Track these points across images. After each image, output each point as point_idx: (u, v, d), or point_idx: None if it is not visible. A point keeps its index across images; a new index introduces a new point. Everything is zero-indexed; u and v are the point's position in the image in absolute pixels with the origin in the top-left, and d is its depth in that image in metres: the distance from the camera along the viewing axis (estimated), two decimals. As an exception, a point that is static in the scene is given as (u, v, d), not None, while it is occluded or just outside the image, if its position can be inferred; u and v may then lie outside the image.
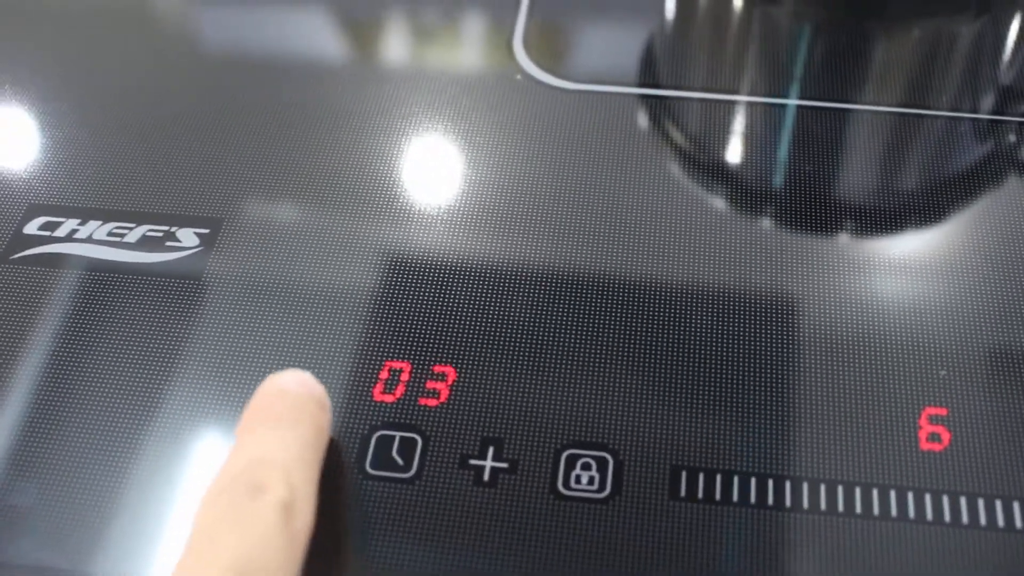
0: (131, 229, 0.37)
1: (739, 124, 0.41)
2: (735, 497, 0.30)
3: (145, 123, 0.41)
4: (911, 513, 0.29)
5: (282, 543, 0.25)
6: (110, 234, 0.37)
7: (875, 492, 0.30)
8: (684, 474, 0.30)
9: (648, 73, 0.43)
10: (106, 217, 0.37)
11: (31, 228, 0.37)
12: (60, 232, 0.37)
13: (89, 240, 0.37)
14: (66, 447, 0.32)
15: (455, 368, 0.33)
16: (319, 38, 0.46)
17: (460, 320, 0.34)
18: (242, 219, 0.37)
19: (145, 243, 0.36)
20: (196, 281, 0.35)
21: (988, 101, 0.42)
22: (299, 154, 0.39)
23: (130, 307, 0.35)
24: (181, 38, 0.47)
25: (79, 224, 0.37)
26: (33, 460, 0.31)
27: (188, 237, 0.36)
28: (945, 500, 0.29)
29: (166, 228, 0.37)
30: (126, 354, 0.34)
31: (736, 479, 0.30)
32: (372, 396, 0.32)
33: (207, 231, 0.37)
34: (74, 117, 0.41)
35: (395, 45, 0.46)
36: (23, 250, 0.36)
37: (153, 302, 0.35)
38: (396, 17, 0.47)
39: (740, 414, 0.31)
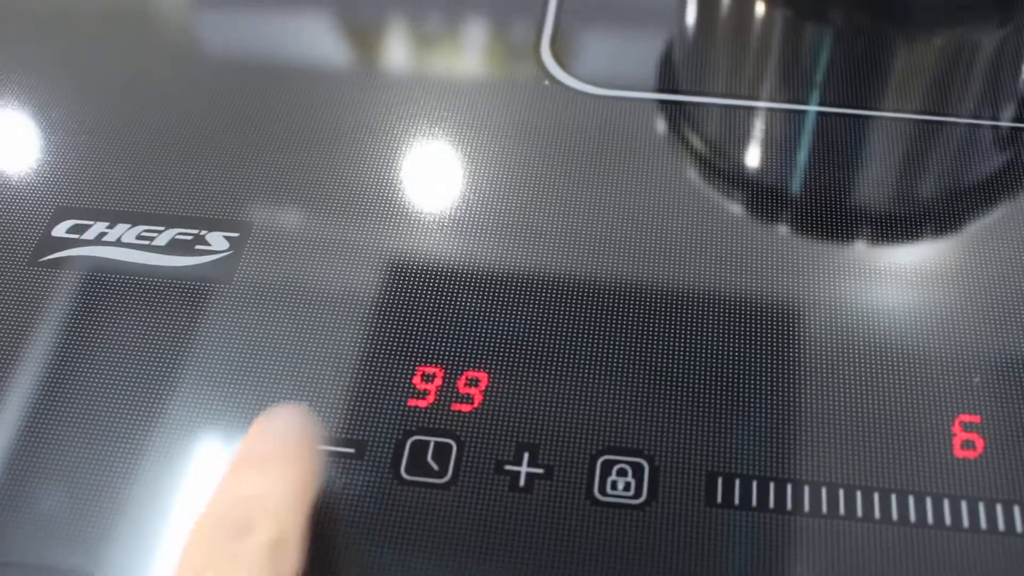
0: (160, 232, 0.37)
1: (761, 130, 0.41)
2: (771, 504, 0.30)
3: (172, 125, 0.41)
4: (947, 520, 0.29)
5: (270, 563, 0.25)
6: (139, 237, 0.37)
7: (911, 499, 0.30)
8: (720, 480, 0.30)
9: (672, 78, 0.43)
10: (135, 220, 0.37)
11: (59, 231, 0.37)
12: (88, 235, 0.37)
13: (118, 243, 0.36)
14: (91, 448, 0.32)
15: (488, 373, 0.33)
16: (346, 48, 0.46)
17: (493, 325, 0.34)
18: (272, 223, 0.37)
19: (174, 246, 0.36)
20: (227, 285, 0.35)
21: (1009, 109, 0.42)
22: (328, 158, 0.39)
23: (160, 311, 0.35)
24: (205, 42, 0.47)
25: (107, 227, 0.37)
26: (56, 459, 0.31)
27: (218, 241, 0.36)
28: (981, 507, 0.30)
29: (195, 232, 0.37)
30: (155, 358, 0.33)
31: (772, 486, 0.30)
32: (406, 401, 0.32)
33: (237, 235, 0.37)
34: (101, 120, 0.41)
35: (424, 51, 0.46)
36: (51, 253, 0.36)
37: (183, 306, 0.35)
38: (424, 23, 0.47)
39: (776, 421, 0.31)
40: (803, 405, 0.32)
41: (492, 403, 0.32)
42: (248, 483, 0.27)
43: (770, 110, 0.42)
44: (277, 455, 0.28)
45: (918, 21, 0.45)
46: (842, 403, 0.32)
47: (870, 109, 0.41)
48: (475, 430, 0.32)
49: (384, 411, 0.32)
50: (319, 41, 0.46)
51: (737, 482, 0.30)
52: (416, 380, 0.33)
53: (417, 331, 0.34)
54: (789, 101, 0.42)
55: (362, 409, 0.32)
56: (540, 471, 0.31)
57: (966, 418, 0.31)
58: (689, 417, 0.32)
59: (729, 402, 0.32)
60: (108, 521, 0.30)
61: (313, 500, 0.28)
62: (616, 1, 0.47)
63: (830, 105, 0.41)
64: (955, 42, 0.44)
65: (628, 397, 0.32)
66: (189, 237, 0.37)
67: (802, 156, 0.40)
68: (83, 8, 0.48)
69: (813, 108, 0.41)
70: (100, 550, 0.30)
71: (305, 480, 0.28)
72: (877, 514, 0.30)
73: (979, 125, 0.41)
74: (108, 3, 0.48)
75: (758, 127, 0.41)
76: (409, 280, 0.35)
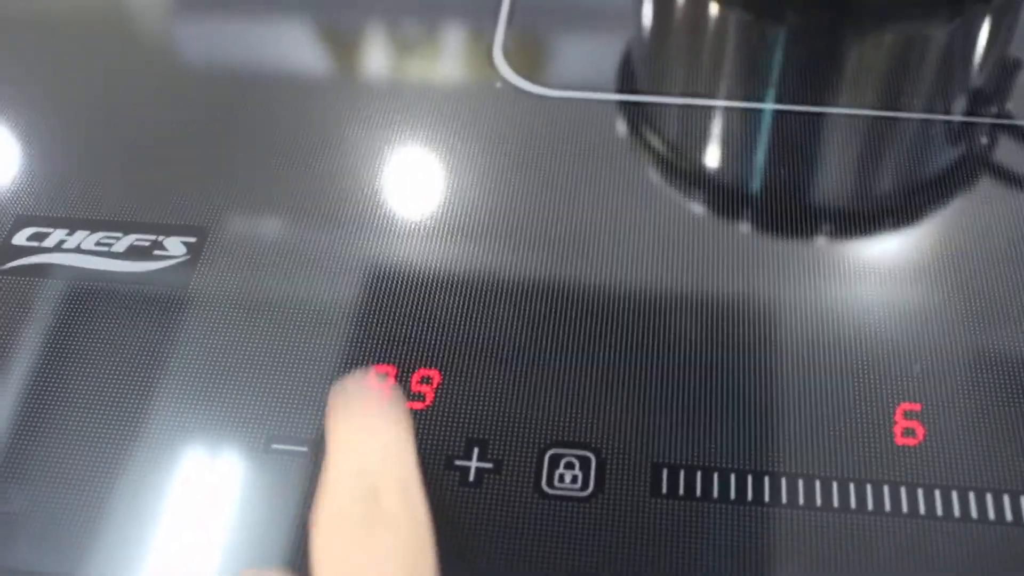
0: (118, 239, 0.37)
1: (717, 129, 0.42)
2: (715, 494, 0.30)
3: (130, 134, 0.42)
4: (887, 506, 0.30)
5: (411, 545, 0.26)
6: (98, 244, 0.37)
7: (852, 487, 0.30)
8: (665, 472, 0.31)
9: (627, 79, 0.44)
10: (93, 227, 0.38)
11: (20, 239, 0.37)
12: (48, 242, 0.37)
13: (77, 250, 0.37)
14: (56, 452, 0.32)
15: (440, 371, 0.33)
16: (303, 50, 0.47)
17: (445, 325, 0.34)
18: (228, 227, 0.38)
19: (133, 252, 0.37)
20: (183, 289, 0.36)
21: (960, 103, 0.43)
22: (283, 163, 0.40)
23: (119, 315, 0.35)
24: (166, 50, 0.47)
25: (67, 234, 0.37)
26: (23, 466, 0.32)
27: (175, 246, 0.37)
28: (920, 493, 0.30)
29: (153, 237, 0.37)
30: (115, 362, 0.34)
31: (716, 476, 0.31)
32: (359, 400, 0.33)
33: (194, 240, 0.37)
34: (60, 128, 0.42)
35: (376, 55, 0.47)
36: (12, 260, 0.37)
37: (141, 310, 0.35)
38: (377, 27, 0.48)
39: (720, 413, 0.32)
40: (747, 397, 0.32)
41: (443, 400, 0.33)
42: (359, 454, 0.28)
43: (727, 109, 0.42)
44: (373, 420, 0.29)
45: (870, 19, 0.45)
46: (786, 394, 0.32)
47: (825, 106, 0.42)
48: (426, 427, 0.32)
49: (337, 410, 0.33)
50: (272, 49, 0.46)
51: (681, 473, 0.31)
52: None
53: (371, 332, 0.34)
54: (746, 100, 0.43)
55: (317, 409, 0.33)
56: (489, 466, 0.31)
57: (908, 406, 0.32)
58: (634, 411, 0.32)
59: (674, 396, 0.32)
60: (73, 523, 0.31)
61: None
62: (570, 3, 0.48)
63: (786, 103, 0.42)
64: (905, 38, 0.45)
65: (575, 392, 0.33)
66: (147, 243, 0.37)
67: (759, 154, 0.41)
68: (46, 17, 0.48)
69: (770, 106, 0.42)
70: (60, 551, 0.30)
71: (406, 435, 0.28)
72: (819, 502, 0.30)
73: (932, 120, 0.41)
74: (73, 11, 0.49)
75: (715, 126, 0.42)
76: (363, 282, 0.36)
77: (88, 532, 0.30)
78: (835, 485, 0.30)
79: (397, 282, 0.36)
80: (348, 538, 0.26)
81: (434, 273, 0.36)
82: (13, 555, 0.30)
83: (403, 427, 0.29)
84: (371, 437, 0.28)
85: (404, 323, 0.35)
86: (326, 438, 0.29)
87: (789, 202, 0.38)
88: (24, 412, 0.33)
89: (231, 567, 0.30)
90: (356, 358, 0.34)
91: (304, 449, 0.32)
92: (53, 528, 0.31)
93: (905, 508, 0.30)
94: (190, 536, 0.30)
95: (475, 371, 0.33)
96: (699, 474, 0.31)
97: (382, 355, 0.34)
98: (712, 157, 0.41)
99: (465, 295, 0.35)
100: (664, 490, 0.30)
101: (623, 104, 0.43)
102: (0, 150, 0.41)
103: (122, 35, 0.47)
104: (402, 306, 0.35)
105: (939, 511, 0.30)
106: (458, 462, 0.31)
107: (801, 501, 0.30)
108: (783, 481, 0.31)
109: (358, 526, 0.26)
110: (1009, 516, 0.30)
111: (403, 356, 0.34)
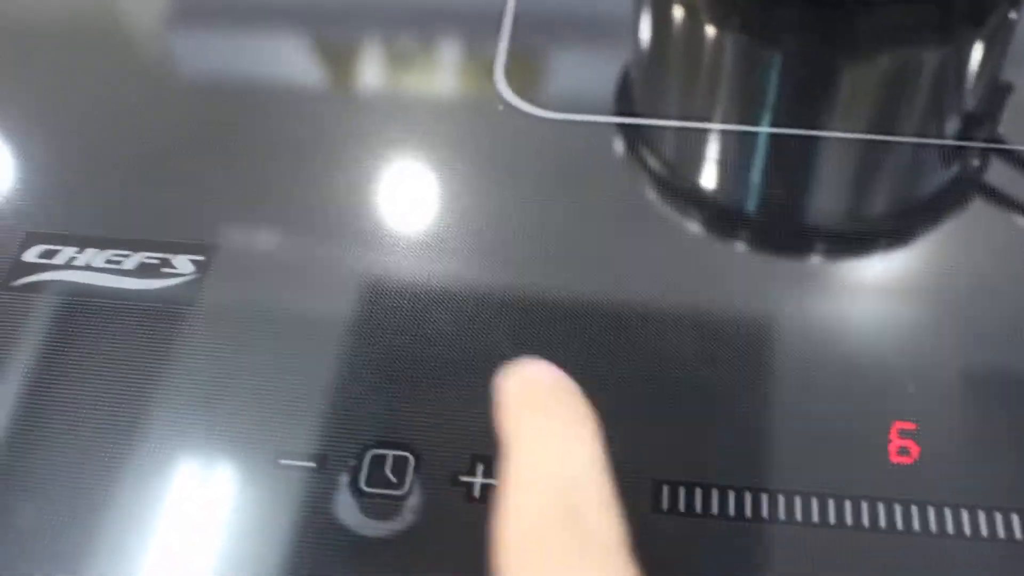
0: (128, 256, 0.38)
1: (714, 151, 0.42)
2: (714, 510, 0.31)
3: (139, 151, 0.42)
4: (882, 523, 0.31)
5: (619, 559, 0.23)
6: (107, 261, 0.38)
7: (847, 504, 0.31)
8: (666, 488, 0.31)
9: (625, 102, 0.45)
10: (103, 245, 0.38)
11: (30, 256, 0.38)
12: (58, 260, 0.38)
13: (87, 267, 0.38)
14: (64, 467, 0.32)
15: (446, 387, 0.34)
16: (306, 68, 0.47)
17: (448, 340, 0.35)
18: (235, 245, 0.38)
19: (142, 270, 0.37)
20: (191, 307, 0.36)
21: (953, 127, 0.44)
22: (288, 181, 0.41)
23: (127, 332, 0.36)
24: (174, 68, 0.48)
25: (77, 252, 0.38)
26: (31, 479, 0.32)
27: (183, 264, 0.37)
28: (914, 511, 0.31)
29: (162, 255, 0.38)
30: (123, 378, 0.34)
31: (715, 492, 0.31)
32: (365, 415, 0.33)
33: (202, 258, 0.38)
34: (71, 146, 0.42)
35: (379, 74, 0.47)
36: (23, 277, 0.37)
37: (150, 327, 0.36)
38: (379, 46, 0.48)
39: (719, 431, 0.33)
40: (745, 415, 0.33)
41: (449, 416, 0.33)
42: (552, 465, 0.24)
43: (724, 132, 0.43)
44: (561, 422, 0.25)
45: (864, 43, 0.46)
46: (782, 412, 0.33)
47: (820, 130, 0.43)
48: (431, 443, 0.33)
49: (344, 426, 0.33)
50: (277, 66, 0.47)
51: (682, 489, 0.31)
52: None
53: (377, 346, 0.35)
54: (742, 123, 0.43)
55: (324, 424, 0.33)
56: (494, 481, 0.32)
57: (902, 425, 0.33)
58: (637, 428, 0.33)
59: (674, 413, 0.33)
60: (80, 536, 0.31)
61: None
62: (571, 27, 0.49)
63: (781, 126, 0.43)
64: (899, 63, 0.46)
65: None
66: (156, 260, 0.38)
67: (755, 176, 0.42)
68: (49, 31, 0.49)
69: (765, 129, 0.43)
70: (66, 564, 0.31)
71: (596, 438, 0.25)
72: (815, 518, 0.31)
73: (925, 144, 0.42)
74: (74, 26, 0.49)
75: (712, 149, 0.43)
76: (369, 297, 0.36)
77: (95, 546, 0.31)
78: (831, 502, 0.31)
79: (402, 298, 0.36)
80: (550, 555, 0.22)
81: (437, 289, 0.36)
82: (21, 567, 0.31)
83: (592, 428, 0.25)
84: (562, 443, 0.24)
85: (408, 338, 0.35)
86: (505, 441, 0.25)
87: (784, 223, 0.39)
88: (33, 427, 0.33)
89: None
90: (363, 373, 0.34)
91: (312, 464, 0.32)
92: (59, 540, 0.31)
93: (900, 525, 0.31)
94: (199, 550, 0.31)
95: (479, 387, 0.34)
96: (699, 490, 0.31)
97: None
98: (709, 179, 0.42)
99: (467, 312, 0.36)
100: (665, 506, 0.31)
101: (621, 127, 0.43)
102: (12, 168, 0.42)
103: (132, 53, 0.48)
104: (406, 321, 0.36)
105: (933, 528, 0.30)
106: (463, 478, 0.32)
107: (798, 518, 0.31)
108: (780, 498, 0.31)
109: (565, 555, 0.22)
110: (1002, 533, 0.30)
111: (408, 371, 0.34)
